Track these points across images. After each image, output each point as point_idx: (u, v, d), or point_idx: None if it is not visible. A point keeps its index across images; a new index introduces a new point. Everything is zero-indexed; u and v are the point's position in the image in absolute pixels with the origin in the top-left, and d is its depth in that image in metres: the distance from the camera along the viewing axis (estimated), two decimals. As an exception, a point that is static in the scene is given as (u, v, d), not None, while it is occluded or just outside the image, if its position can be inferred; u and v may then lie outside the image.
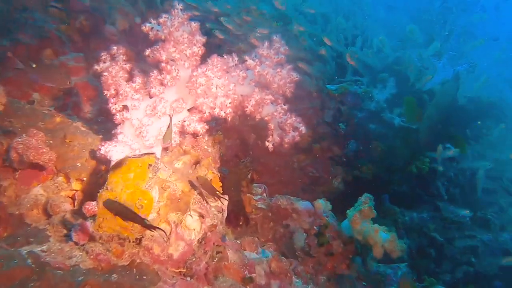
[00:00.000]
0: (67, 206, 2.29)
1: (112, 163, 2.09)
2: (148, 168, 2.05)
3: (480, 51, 5.62)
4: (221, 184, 2.78)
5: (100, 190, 1.99)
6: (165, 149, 2.73)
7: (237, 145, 4.09)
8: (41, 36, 3.30)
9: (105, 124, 2.65)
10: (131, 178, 1.99)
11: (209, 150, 2.86)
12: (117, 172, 1.95)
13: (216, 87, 1.98)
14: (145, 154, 2.06)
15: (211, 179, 2.73)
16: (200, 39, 2.01)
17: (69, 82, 3.07)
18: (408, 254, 2.82)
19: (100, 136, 2.53)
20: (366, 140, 4.04)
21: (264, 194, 3.13)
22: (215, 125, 2.95)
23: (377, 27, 5.06)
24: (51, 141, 2.40)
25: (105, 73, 2.00)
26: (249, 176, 3.19)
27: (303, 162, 4.02)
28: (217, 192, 2.67)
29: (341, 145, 4.06)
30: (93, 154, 2.34)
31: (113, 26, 3.59)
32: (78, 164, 2.35)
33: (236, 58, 2.11)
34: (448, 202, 4.43)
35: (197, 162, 2.68)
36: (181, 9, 1.92)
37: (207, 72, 1.93)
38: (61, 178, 2.36)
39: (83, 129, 2.59)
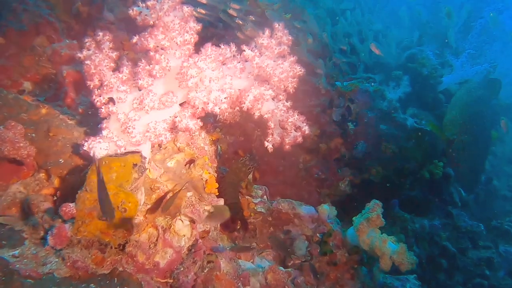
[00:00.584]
0: (48, 206, 2.11)
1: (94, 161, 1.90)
2: (133, 168, 1.86)
3: (499, 51, 5.34)
4: (218, 185, 2.58)
5: (78, 191, 1.80)
6: (159, 145, 2.54)
7: (240, 143, 3.89)
8: (34, 21, 3.12)
9: (95, 118, 2.46)
10: (113, 178, 1.80)
11: (205, 148, 2.66)
12: (97, 171, 1.75)
13: (209, 80, 1.77)
14: (128, 152, 1.86)
15: (206, 180, 2.54)
16: (194, 26, 1.80)
17: (55, 73, 2.88)
18: (418, 264, 2.59)
19: (88, 131, 2.34)
20: (376, 141, 3.81)
21: (265, 197, 2.92)
22: (213, 121, 2.75)
23: (392, 23, 4.80)
24: (33, 134, 2.21)
25: (87, 62, 1.80)
26: (249, 176, 2.99)
27: (309, 163, 3.80)
28: (212, 194, 2.47)
29: (349, 146, 3.83)
30: (76, 149, 2.15)
31: (111, 13, 3.40)
32: (60, 160, 2.16)
33: (234, 49, 1.90)
34: (462, 209, 4.19)
35: (191, 161, 2.48)
36: (173, -8, 1.71)
37: (199, 63, 1.72)
38: (42, 175, 2.18)
39: (70, 122, 2.40)
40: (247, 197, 2.80)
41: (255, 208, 2.75)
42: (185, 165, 2.47)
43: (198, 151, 2.61)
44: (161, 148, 2.50)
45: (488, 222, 4.10)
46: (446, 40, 4.69)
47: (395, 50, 4.36)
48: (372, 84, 3.96)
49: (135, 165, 1.85)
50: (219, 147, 3.14)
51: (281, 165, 3.73)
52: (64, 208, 1.82)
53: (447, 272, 3.72)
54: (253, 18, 3.64)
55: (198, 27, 1.83)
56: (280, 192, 3.68)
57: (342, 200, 3.87)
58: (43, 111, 2.41)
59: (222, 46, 1.89)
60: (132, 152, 1.85)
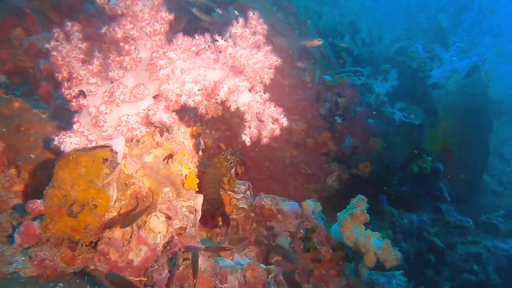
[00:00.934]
0: (17, 202, 2.04)
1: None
2: (103, 163, 1.79)
3: (489, 45, 5.29)
4: (198, 181, 2.52)
5: (46, 187, 1.73)
6: (137, 140, 2.47)
7: (226, 138, 3.82)
8: (12, 13, 3.03)
9: (70, 112, 2.39)
10: (83, 174, 1.73)
11: (185, 143, 2.59)
12: (64, 167, 1.68)
13: (181, 71, 1.70)
14: (98, 146, 1.79)
15: (186, 175, 2.47)
16: (165, 16, 1.73)
17: (32, 66, 2.81)
18: (406, 260, 2.54)
19: (62, 125, 2.27)
20: (364, 136, 3.75)
21: (248, 192, 2.86)
22: (194, 115, 2.69)
23: (380, 16, 4.73)
24: (3, 129, 2.14)
25: (54, 52, 1.73)
26: (232, 171, 2.93)
27: (296, 158, 3.74)
28: (191, 190, 2.41)
29: (337, 141, 3.78)
30: (48, 144, 2.08)
31: (92, 5, 3.32)
32: (32, 155, 2.09)
33: (209, 39, 1.83)
34: (451, 204, 4.15)
35: (170, 156, 2.42)
36: (141, -21, 1.63)
37: (169, 53, 1.65)
38: (12, 171, 2.11)
39: (43, 116, 2.33)
40: (229, 192, 2.74)
41: (237, 204, 2.69)
42: (164, 160, 2.41)
43: (177, 145, 2.55)
44: (138, 143, 2.43)
45: (477, 217, 4.07)
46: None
47: (383, 43, 4.30)
48: (360, 77, 3.90)
49: (105, 160, 1.79)
50: (201, 141, 3.08)
51: (267, 160, 3.68)
52: (31, 205, 1.75)
53: (435, 268, 3.68)
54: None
55: (170, 17, 1.76)
56: (266, 187, 3.63)
57: (330, 196, 3.82)
58: (16, 105, 2.33)
59: (197, 37, 1.82)
60: (102, 146, 1.78)
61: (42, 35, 3.03)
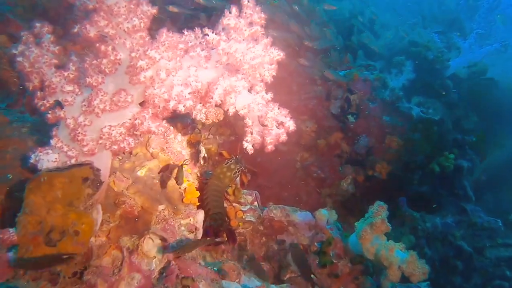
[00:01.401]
0: (-6, 229, 1.82)
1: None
2: (83, 182, 1.56)
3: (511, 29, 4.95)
4: (198, 194, 2.28)
5: (18, 214, 1.51)
6: (129, 153, 2.24)
7: (231, 143, 3.58)
8: (-8, 18, 2.83)
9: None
10: (59, 196, 1.50)
11: (183, 153, 2.36)
12: (36, 191, 1.45)
13: (166, 73, 1.46)
14: (74, 165, 1.56)
15: (185, 189, 2.24)
16: (147, 10, 1.49)
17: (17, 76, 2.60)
18: (430, 267, 2.27)
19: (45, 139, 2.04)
20: (379, 135, 3.48)
21: (256, 203, 2.61)
22: (191, 122, 2.45)
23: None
24: (-22, 147, 1.93)
25: (19, 58, 1.50)
26: (236, 179, 2.68)
27: (307, 161, 3.48)
28: (191, 205, 2.17)
29: (350, 141, 3.51)
30: (26, 162, 1.86)
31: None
32: (8, 175, 1.87)
33: (201, 34, 1.59)
34: (477, 203, 3.85)
35: (166, 169, 2.18)
36: (114, -32, 1.39)
37: (150, 52, 1.41)
38: (-11, 193, 1.88)
39: (24, 130, 2.11)
40: (235, 204, 2.50)
41: (243, 217, 2.44)
42: (159, 173, 2.17)
43: (174, 156, 2.31)
44: (131, 155, 2.20)
45: (506, 217, 3.77)
46: None
47: (397, 33, 4.01)
48: (373, 72, 3.63)
49: (85, 179, 1.55)
50: (202, 149, 2.83)
51: (276, 165, 3.42)
52: (1, 236, 1.53)
53: (463, 275, 3.39)
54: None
55: (153, 10, 1.51)
56: (275, 195, 3.38)
57: (345, 200, 3.55)
58: (-6, 119, 2.12)
59: (186, 32, 1.58)
60: (80, 165, 1.55)
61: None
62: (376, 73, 3.63)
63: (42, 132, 2.17)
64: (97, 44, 1.49)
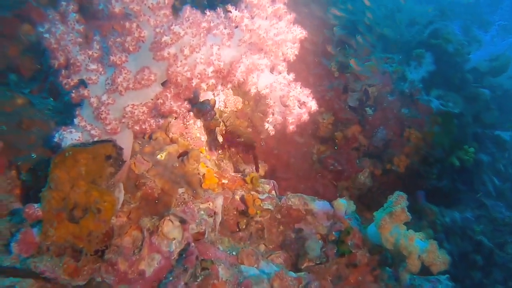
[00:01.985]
0: (19, 207, 1.84)
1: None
2: (107, 160, 1.57)
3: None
4: (217, 181, 2.29)
5: (42, 189, 1.52)
6: (148, 137, 2.26)
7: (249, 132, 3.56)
8: (17, 7, 2.87)
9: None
10: (83, 173, 1.51)
11: (202, 139, 2.37)
12: (61, 165, 1.47)
13: (190, 49, 1.46)
14: (98, 141, 1.57)
15: (204, 174, 2.24)
16: (171, -14, 1.49)
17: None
18: (450, 262, 2.23)
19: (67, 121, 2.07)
20: (398, 128, 3.44)
21: (273, 192, 2.60)
22: (210, 108, 2.45)
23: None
24: (3, 127, 1.96)
25: (46, 35, 1.52)
26: (254, 171, 2.69)
27: (323, 154, 3.46)
28: (209, 191, 2.18)
29: (368, 134, 3.47)
30: (49, 142, 1.88)
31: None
32: (33, 155, 1.90)
33: (223, 14, 1.58)
34: (497, 198, 3.78)
35: (185, 153, 2.19)
36: None
37: (174, 27, 1.41)
38: (13, 172, 1.91)
39: (47, 112, 2.14)
40: (252, 192, 2.49)
41: (261, 205, 2.43)
42: (178, 157, 2.18)
43: (193, 141, 2.32)
44: (150, 140, 2.21)
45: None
46: None
47: (416, 26, 3.95)
48: (391, 64, 3.59)
49: (108, 157, 1.56)
50: (218, 137, 2.84)
51: (292, 157, 3.40)
52: (27, 210, 1.55)
53: (484, 270, 3.33)
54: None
55: (177, -12, 1.52)
56: (292, 186, 3.36)
57: (362, 194, 3.52)
58: (19, 101, 2.15)
59: (208, 12, 1.58)
60: (103, 141, 1.56)
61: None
62: (395, 66, 3.59)
63: (64, 115, 2.20)
64: (121, 21, 1.50)
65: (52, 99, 2.61)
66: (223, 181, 2.46)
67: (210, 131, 2.45)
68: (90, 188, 1.54)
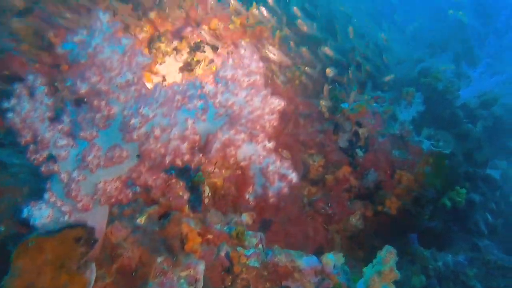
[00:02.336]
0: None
1: (31, 235, 1.53)
2: (76, 242, 1.49)
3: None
4: (200, 240, 2.21)
5: (4, 277, 1.43)
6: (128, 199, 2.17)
7: (237, 177, 3.49)
8: (-3, 57, 2.81)
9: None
10: (49, 259, 1.43)
11: (184, 197, 2.29)
12: (24, 256, 1.38)
13: (161, 129, 1.40)
14: (65, 227, 1.49)
15: (186, 235, 2.16)
16: (143, 61, 1.44)
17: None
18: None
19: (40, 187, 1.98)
20: (389, 169, 3.38)
21: (260, 246, 2.52)
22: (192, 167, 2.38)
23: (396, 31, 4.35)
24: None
25: (10, 115, 1.45)
26: (240, 224, 2.60)
27: (314, 196, 3.39)
28: (192, 255, 2.09)
29: (359, 175, 3.41)
30: (18, 214, 1.80)
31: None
32: (1, 227, 1.81)
33: (199, 83, 1.53)
34: (489, 237, 3.70)
35: (167, 214, 2.11)
36: (108, 21, 1.35)
37: (143, 110, 1.35)
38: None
39: (22, 176, 2.06)
40: (238, 249, 2.40)
41: (247, 262, 2.35)
42: (159, 219, 2.10)
43: (175, 201, 2.25)
44: (129, 202, 2.13)
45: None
46: None
47: (405, 63, 3.94)
48: (382, 104, 3.55)
49: (78, 239, 1.48)
50: (206, 189, 2.76)
51: (282, 200, 3.33)
52: (-11, 298, 1.45)
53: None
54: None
55: (149, 60, 1.47)
56: (282, 230, 3.28)
57: (353, 237, 3.44)
58: (-9, 164, 2.07)
59: (182, 82, 1.53)
60: (72, 226, 1.48)
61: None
62: (385, 106, 3.55)
63: (39, 179, 2.12)
64: (90, 98, 1.44)
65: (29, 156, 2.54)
66: (208, 236, 2.38)
67: (193, 188, 2.38)
68: (58, 273, 1.46)
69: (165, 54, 3.35)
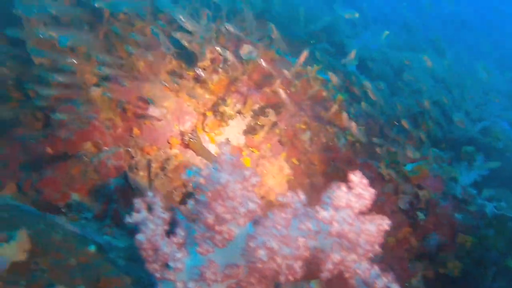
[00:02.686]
0: None
1: None
2: None
3: None
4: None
5: None
6: None
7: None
8: (81, 128, 2.99)
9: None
10: None
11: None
12: None
13: (281, 257, 1.49)
14: None
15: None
16: (255, 181, 1.54)
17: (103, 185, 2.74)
18: None
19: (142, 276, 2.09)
20: (451, 232, 3.38)
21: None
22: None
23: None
24: (82, 286, 2.00)
25: (139, 237, 1.57)
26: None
27: (374, 259, 3.40)
28: None
29: (420, 238, 3.42)
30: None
31: (157, 109, 3.23)
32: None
33: (303, 197, 1.62)
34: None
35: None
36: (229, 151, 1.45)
37: (269, 243, 1.44)
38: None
39: (120, 262, 2.19)
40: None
41: None
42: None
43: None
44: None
45: None
46: None
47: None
48: (441, 165, 3.57)
49: None
50: None
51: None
52: None
53: None
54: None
55: (258, 178, 1.57)
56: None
57: (415, 298, 3.43)
58: (91, 251, 2.21)
59: (288, 194, 1.62)
60: None
61: (110, 150, 2.96)
62: (445, 166, 3.57)
63: (138, 266, 2.24)
64: (210, 222, 1.54)
65: (116, 228, 2.68)
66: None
67: None
68: None
69: (229, 117, 3.47)
